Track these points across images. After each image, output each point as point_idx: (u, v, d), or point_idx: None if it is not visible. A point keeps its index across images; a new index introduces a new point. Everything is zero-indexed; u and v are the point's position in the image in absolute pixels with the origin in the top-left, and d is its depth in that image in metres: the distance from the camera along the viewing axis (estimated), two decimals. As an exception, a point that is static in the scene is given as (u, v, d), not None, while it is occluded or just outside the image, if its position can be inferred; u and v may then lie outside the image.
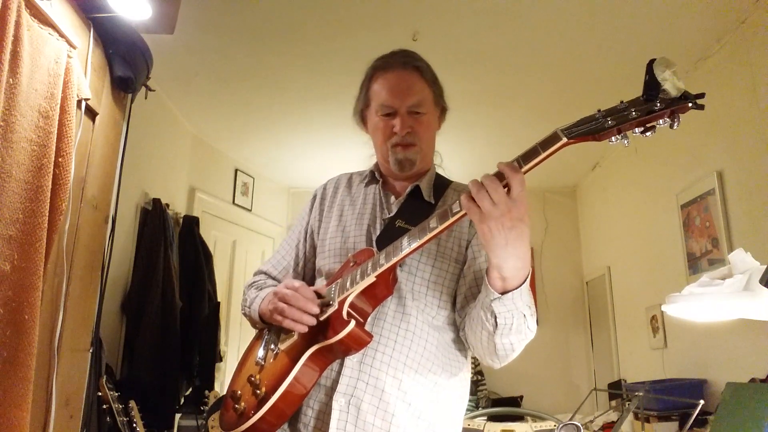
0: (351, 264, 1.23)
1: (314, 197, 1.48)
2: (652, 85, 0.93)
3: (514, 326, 1.05)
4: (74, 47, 1.57)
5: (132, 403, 2.11)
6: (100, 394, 2.00)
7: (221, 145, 4.10)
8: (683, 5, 2.40)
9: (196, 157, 3.89)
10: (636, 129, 0.97)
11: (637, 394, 2.21)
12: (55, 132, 1.46)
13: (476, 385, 4.21)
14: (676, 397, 2.45)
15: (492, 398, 4.17)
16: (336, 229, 1.35)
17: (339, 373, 1.16)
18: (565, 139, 1.00)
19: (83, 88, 1.63)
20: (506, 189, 0.95)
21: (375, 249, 1.22)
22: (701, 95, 0.88)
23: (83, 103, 1.65)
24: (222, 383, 3.86)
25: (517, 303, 1.02)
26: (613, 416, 2.93)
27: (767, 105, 2.33)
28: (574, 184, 4.83)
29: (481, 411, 3.33)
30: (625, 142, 0.96)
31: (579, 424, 1.78)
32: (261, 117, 3.63)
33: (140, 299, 2.82)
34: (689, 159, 2.94)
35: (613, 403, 3.36)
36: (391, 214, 1.31)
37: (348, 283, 1.15)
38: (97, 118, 1.78)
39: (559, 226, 4.83)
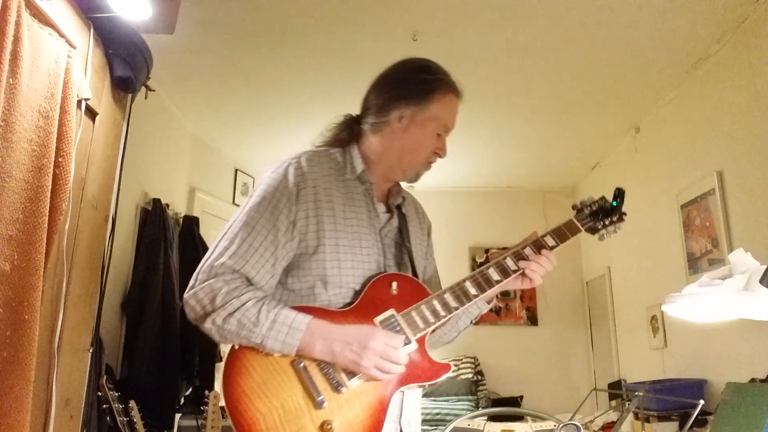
0: (393, 292, 1.21)
1: (293, 185, 1.22)
2: (620, 209, 1.40)
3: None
4: (74, 47, 1.57)
5: (132, 403, 2.11)
6: (100, 394, 2.00)
7: (221, 145, 4.10)
8: (683, 5, 2.40)
9: (196, 157, 3.89)
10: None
11: (637, 394, 2.21)
12: (55, 132, 1.46)
13: (476, 385, 4.21)
14: (676, 397, 2.45)
15: (492, 398, 4.17)
16: (349, 243, 1.23)
17: (402, 401, 1.22)
18: (582, 231, 1.41)
19: (83, 88, 1.63)
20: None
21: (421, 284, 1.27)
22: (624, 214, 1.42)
23: (83, 103, 1.65)
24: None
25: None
26: (613, 416, 2.92)
27: (767, 105, 2.33)
28: (574, 184, 4.83)
29: (481, 411, 3.33)
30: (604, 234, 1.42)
31: (579, 424, 1.77)
32: (261, 117, 3.63)
33: (140, 299, 2.82)
34: (689, 159, 2.94)
35: (613, 403, 3.36)
36: (389, 228, 1.33)
37: (420, 322, 1.19)
38: (97, 118, 1.78)
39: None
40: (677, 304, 1.48)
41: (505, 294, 4.51)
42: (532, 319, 4.67)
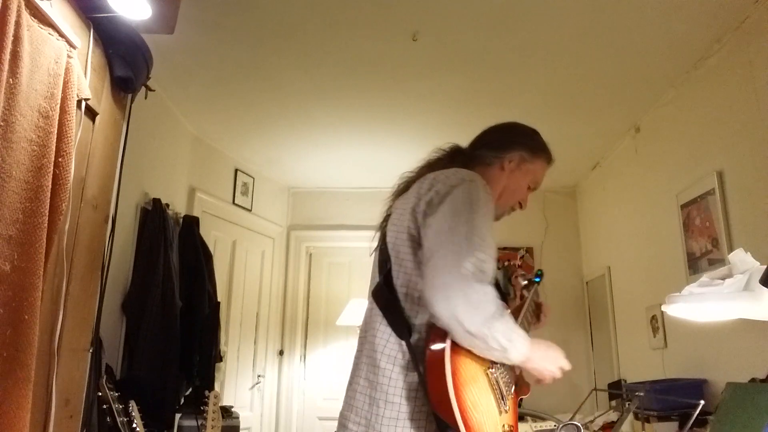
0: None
1: (491, 202, 1.36)
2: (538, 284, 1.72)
3: None
4: (74, 47, 1.57)
5: (132, 403, 2.11)
6: (100, 394, 2.00)
7: (221, 145, 4.10)
8: (683, 5, 2.40)
9: (196, 157, 3.89)
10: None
11: (637, 394, 2.21)
12: (55, 132, 1.46)
13: (476, 385, 4.21)
14: (676, 397, 2.45)
15: (492, 398, 4.17)
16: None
17: None
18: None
19: (83, 88, 1.63)
20: None
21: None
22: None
23: (83, 103, 1.65)
24: (222, 383, 3.86)
25: None
26: (613, 416, 2.92)
27: (767, 105, 2.33)
28: (574, 184, 4.83)
29: (481, 411, 3.32)
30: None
31: (579, 424, 1.77)
32: (261, 117, 3.63)
33: (140, 299, 2.82)
34: (689, 159, 2.94)
35: (613, 403, 3.36)
36: None
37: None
38: (97, 118, 1.78)
39: (559, 226, 4.82)
40: (677, 304, 1.49)
41: (504, 295, 4.51)
42: (532, 319, 4.67)
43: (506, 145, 1.55)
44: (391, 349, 1.27)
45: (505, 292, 1.39)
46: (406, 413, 1.20)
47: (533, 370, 1.28)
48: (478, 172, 1.45)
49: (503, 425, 1.22)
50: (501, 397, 1.24)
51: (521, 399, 1.43)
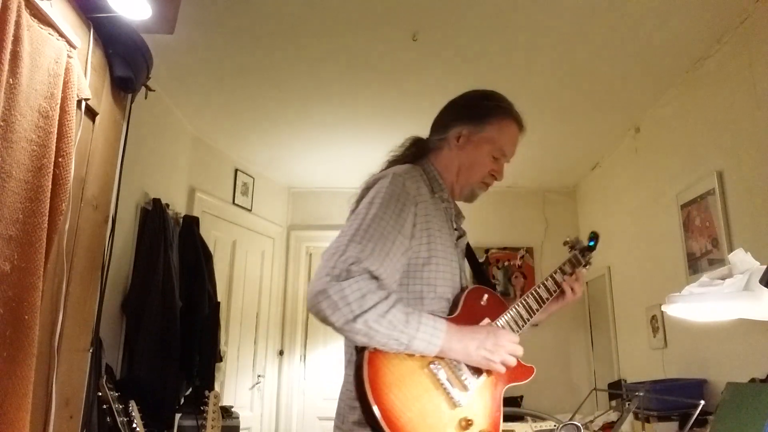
0: (483, 303, 1.35)
1: (413, 196, 1.30)
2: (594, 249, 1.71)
3: None
4: (74, 47, 1.57)
5: (132, 403, 2.11)
6: (100, 394, 2.00)
7: (221, 145, 4.10)
8: (683, 5, 2.40)
9: (196, 157, 3.89)
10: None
11: (637, 394, 2.21)
12: (55, 132, 1.46)
13: (476, 385, 4.21)
14: (676, 397, 2.45)
15: (492, 398, 4.16)
16: (446, 256, 1.34)
17: None
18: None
19: (83, 88, 1.63)
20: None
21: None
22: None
23: (83, 103, 1.65)
24: (222, 383, 3.86)
25: None
26: (613, 416, 2.92)
27: (767, 105, 2.33)
28: (574, 184, 4.83)
29: (481, 411, 3.32)
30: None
31: (579, 424, 1.77)
32: (261, 117, 3.63)
33: (140, 299, 2.82)
34: (689, 159, 2.94)
35: (613, 403, 3.36)
36: (461, 247, 1.46)
37: (515, 327, 1.36)
38: (97, 118, 1.78)
39: (559, 226, 4.82)
40: (677, 304, 1.48)
41: (504, 294, 4.51)
42: (532, 319, 4.67)
43: (446, 125, 1.47)
44: (350, 354, 1.29)
45: (504, 292, 1.38)
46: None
47: (468, 361, 1.21)
48: (432, 158, 1.46)
49: (461, 419, 1.17)
50: (451, 389, 1.18)
51: (516, 384, 1.35)
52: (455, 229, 1.45)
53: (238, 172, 4.36)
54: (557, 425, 1.95)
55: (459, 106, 1.51)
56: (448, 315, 1.29)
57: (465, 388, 1.21)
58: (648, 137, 3.45)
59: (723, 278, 1.40)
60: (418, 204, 1.29)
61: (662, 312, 3.02)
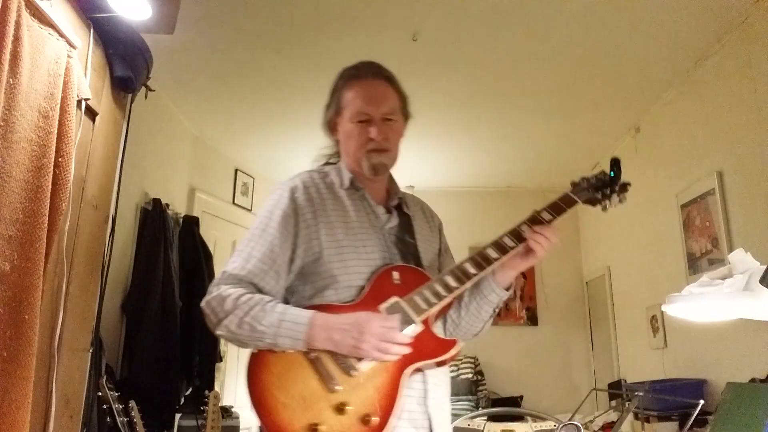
0: (395, 281, 1.29)
1: (291, 211, 1.34)
2: (618, 179, 1.49)
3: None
4: (74, 47, 1.57)
5: (132, 403, 2.11)
6: (100, 394, 2.00)
7: (221, 145, 4.10)
8: (683, 5, 2.40)
9: (196, 157, 3.89)
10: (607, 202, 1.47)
11: (637, 394, 2.21)
12: (55, 132, 1.46)
13: (476, 385, 4.21)
14: (676, 397, 2.45)
15: (492, 398, 4.17)
16: (351, 244, 1.33)
17: (425, 383, 1.26)
18: (579, 203, 1.43)
19: (83, 88, 1.63)
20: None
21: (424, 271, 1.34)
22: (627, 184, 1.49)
23: (83, 103, 1.65)
24: (222, 383, 3.86)
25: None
26: (613, 416, 2.92)
27: (767, 105, 2.33)
28: (574, 184, 4.83)
29: (481, 411, 3.33)
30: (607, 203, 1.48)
31: (579, 424, 1.78)
32: (261, 117, 3.63)
33: (140, 299, 2.82)
34: (689, 159, 2.94)
35: (613, 403, 3.36)
36: (390, 226, 1.41)
37: (423, 303, 1.25)
38: (97, 118, 1.78)
39: (559, 226, 4.80)
40: (677, 304, 1.49)
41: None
42: (532, 319, 4.67)
43: (325, 122, 1.54)
44: None
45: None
46: None
47: (338, 351, 1.19)
48: (342, 154, 1.49)
49: (337, 404, 1.16)
50: (329, 376, 1.18)
51: (435, 362, 1.24)
52: (384, 213, 1.42)
53: (238, 172, 4.37)
54: (557, 425, 1.95)
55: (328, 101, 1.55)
56: (349, 302, 1.27)
57: (348, 374, 1.18)
58: (648, 137, 3.45)
59: (723, 278, 1.40)
60: (299, 207, 1.34)
61: (662, 312, 3.02)
